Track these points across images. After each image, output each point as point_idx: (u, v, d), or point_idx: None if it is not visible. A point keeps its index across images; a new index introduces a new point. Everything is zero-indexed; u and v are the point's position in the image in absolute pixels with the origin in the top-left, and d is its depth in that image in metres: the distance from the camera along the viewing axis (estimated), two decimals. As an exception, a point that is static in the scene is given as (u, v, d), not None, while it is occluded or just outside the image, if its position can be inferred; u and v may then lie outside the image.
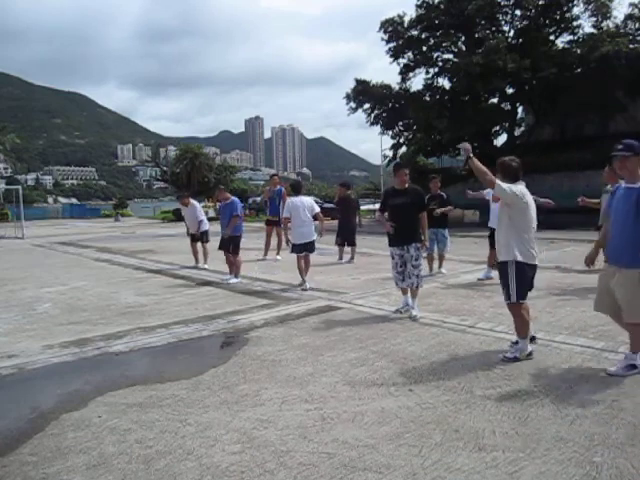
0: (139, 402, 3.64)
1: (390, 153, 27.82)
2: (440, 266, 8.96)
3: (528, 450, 2.80)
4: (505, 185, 4.18)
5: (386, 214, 6.18)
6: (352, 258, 10.81)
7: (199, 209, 10.95)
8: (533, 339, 4.58)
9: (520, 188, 4.31)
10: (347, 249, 11.02)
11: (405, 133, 26.32)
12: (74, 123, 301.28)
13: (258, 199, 35.37)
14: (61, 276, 9.76)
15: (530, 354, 4.32)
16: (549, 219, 18.53)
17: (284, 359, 4.51)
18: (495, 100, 24.03)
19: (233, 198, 9.17)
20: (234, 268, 8.74)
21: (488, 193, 8.16)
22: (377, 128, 26.14)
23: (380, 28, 24.66)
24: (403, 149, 28.10)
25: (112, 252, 14.12)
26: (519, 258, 4.25)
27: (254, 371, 4.20)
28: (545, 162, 20.07)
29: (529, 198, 4.34)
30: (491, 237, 8.09)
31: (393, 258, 5.97)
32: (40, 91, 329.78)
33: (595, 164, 19.64)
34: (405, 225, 5.86)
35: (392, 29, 24.39)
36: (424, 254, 8.59)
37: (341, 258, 10.92)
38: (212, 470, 2.70)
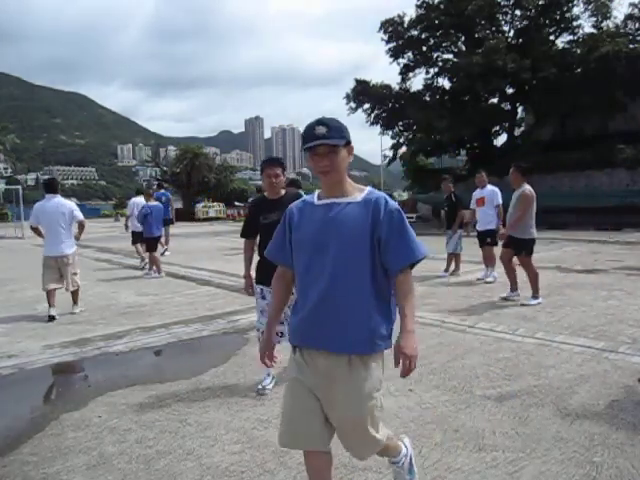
0: (139, 402, 3.65)
1: (390, 153, 27.87)
2: (447, 268, 8.96)
3: (528, 450, 2.80)
4: None
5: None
6: None
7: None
8: None
9: None
10: None
11: (405, 133, 26.29)
12: (74, 123, 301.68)
13: (258, 199, 35.26)
14: (61, 276, 9.75)
15: None
16: (549, 219, 18.65)
17: (284, 359, 4.50)
18: (495, 100, 24.01)
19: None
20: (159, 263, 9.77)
21: (472, 203, 8.64)
22: (377, 128, 26.15)
23: (380, 28, 24.66)
24: (403, 149, 28.12)
25: (112, 252, 14.12)
26: None
27: (254, 371, 4.20)
28: (545, 162, 20.06)
29: None
30: (481, 239, 8.41)
31: (263, 298, 3.80)
32: (40, 91, 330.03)
33: (595, 164, 19.74)
34: None
35: (392, 29, 24.39)
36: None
37: None
38: (212, 470, 2.70)
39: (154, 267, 9.70)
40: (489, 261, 8.27)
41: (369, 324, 1.94)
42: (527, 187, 6.72)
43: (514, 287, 6.77)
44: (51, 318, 6.27)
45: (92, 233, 21.95)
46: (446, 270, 8.86)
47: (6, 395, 3.96)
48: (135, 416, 3.40)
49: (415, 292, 2.03)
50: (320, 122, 1.95)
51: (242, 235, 4.03)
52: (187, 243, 15.94)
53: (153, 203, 10.25)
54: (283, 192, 3.87)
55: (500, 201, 8.30)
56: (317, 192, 2.12)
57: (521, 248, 6.58)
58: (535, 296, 6.48)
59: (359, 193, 2.04)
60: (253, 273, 3.88)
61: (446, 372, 4.07)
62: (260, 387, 3.78)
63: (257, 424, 3.23)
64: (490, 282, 7.98)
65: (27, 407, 3.69)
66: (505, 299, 6.70)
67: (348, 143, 2.00)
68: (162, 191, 13.95)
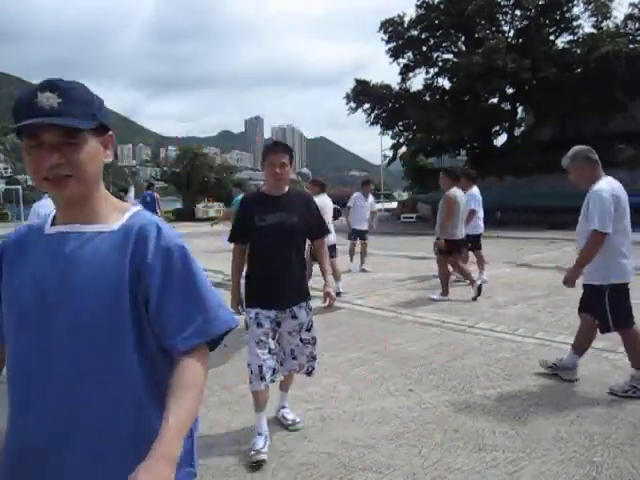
0: (139, 402, 3.64)
1: (390, 153, 27.88)
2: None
3: (528, 450, 2.80)
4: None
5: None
6: None
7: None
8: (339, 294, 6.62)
9: (320, 200, 6.64)
10: None
11: (405, 133, 26.29)
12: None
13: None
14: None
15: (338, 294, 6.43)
16: (549, 219, 18.63)
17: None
18: (495, 100, 24.01)
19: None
20: None
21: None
22: (377, 128, 26.17)
23: (380, 28, 24.69)
24: (403, 149, 28.14)
25: (112, 252, 14.14)
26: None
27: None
28: (545, 162, 20.06)
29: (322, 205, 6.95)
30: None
31: (259, 326, 2.96)
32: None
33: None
34: (285, 266, 3.03)
35: (392, 29, 24.41)
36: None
37: None
38: (212, 470, 2.70)
39: None
40: (478, 264, 8.23)
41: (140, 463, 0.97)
42: (451, 191, 6.90)
43: (445, 291, 6.94)
44: None
45: (92, 233, 21.97)
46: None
47: (6, 395, 3.96)
48: (135, 416, 3.40)
49: (202, 388, 1.24)
50: (49, 85, 1.08)
51: (231, 239, 3.23)
52: (187, 243, 15.93)
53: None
54: (287, 188, 3.09)
55: (472, 206, 7.89)
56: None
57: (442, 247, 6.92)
58: (443, 293, 6.86)
59: (118, 216, 1.17)
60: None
61: (446, 372, 4.07)
62: (253, 452, 2.80)
63: (257, 424, 3.23)
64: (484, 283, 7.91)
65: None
66: (433, 300, 6.86)
67: (104, 129, 1.15)
68: (148, 191, 14.31)
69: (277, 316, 2.99)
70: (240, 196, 8.75)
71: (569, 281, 3.67)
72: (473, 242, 8.04)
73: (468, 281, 7.03)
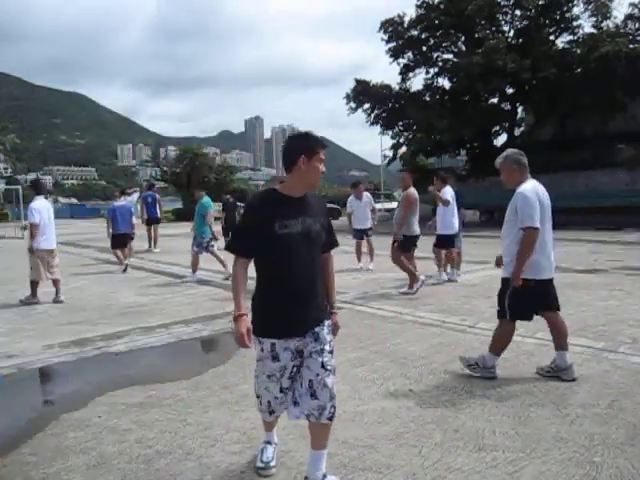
0: (139, 402, 3.65)
1: (390, 153, 27.90)
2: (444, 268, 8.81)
3: (528, 450, 2.80)
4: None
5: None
6: None
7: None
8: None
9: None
10: None
11: (405, 133, 26.31)
12: (74, 123, 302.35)
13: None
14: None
15: None
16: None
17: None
18: (495, 100, 24.04)
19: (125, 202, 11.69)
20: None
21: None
22: (377, 128, 26.18)
23: (380, 28, 24.73)
24: (403, 149, 28.14)
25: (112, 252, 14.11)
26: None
27: (254, 371, 4.20)
28: (545, 162, 20.08)
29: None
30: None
31: (275, 359, 2.47)
32: (40, 91, 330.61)
33: (595, 164, 19.73)
34: (310, 284, 2.45)
35: (392, 29, 24.45)
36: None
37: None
38: (212, 470, 2.70)
39: (121, 262, 10.27)
40: (450, 262, 8.34)
41: None
42: (411, 189, 7.36)
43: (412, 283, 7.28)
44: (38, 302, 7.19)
45: (92, 233, 21.94)
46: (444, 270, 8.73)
47: (6, 395, 3.96)
48: (135, 416, 3.40)
49: None
50: None
51: (234, 249, 2.47)
52: (187, 243, 15.91)
53: (120, 203, 11.07)
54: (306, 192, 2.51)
55: (446, 197, 8.17)
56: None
57: (402, 243, 7.30)
58: (411, 286, 7.17)
59: None
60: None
61: (446, 372, 4.07)
62: (261, 464, 2.68)
63: (257, 424, 3.22)
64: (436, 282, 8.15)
65: (27, 407, 3.69)
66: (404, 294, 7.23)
67: None
68: (149, 192, 14.94)
69: (297, 346, 2.43)
70: (205, 198, 9.10)
71: (514, 280, 3.73)
72: (443, 241, 8.24)
73: (409, 278, 7.33)
